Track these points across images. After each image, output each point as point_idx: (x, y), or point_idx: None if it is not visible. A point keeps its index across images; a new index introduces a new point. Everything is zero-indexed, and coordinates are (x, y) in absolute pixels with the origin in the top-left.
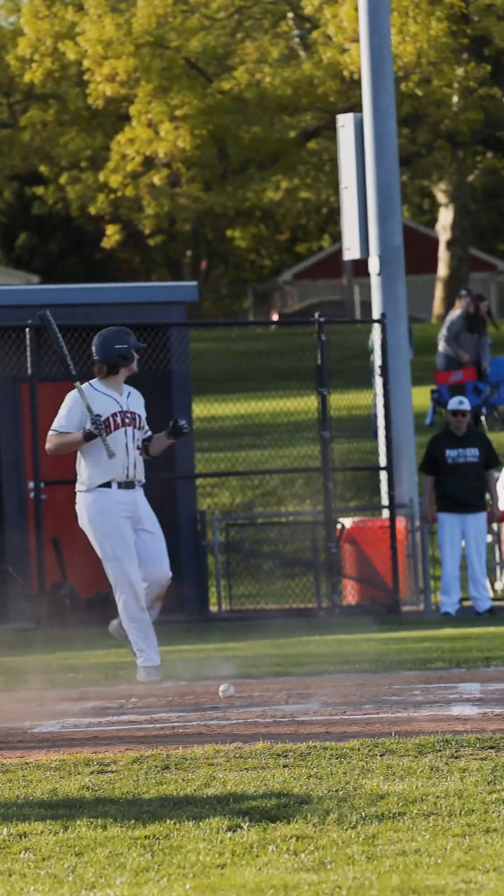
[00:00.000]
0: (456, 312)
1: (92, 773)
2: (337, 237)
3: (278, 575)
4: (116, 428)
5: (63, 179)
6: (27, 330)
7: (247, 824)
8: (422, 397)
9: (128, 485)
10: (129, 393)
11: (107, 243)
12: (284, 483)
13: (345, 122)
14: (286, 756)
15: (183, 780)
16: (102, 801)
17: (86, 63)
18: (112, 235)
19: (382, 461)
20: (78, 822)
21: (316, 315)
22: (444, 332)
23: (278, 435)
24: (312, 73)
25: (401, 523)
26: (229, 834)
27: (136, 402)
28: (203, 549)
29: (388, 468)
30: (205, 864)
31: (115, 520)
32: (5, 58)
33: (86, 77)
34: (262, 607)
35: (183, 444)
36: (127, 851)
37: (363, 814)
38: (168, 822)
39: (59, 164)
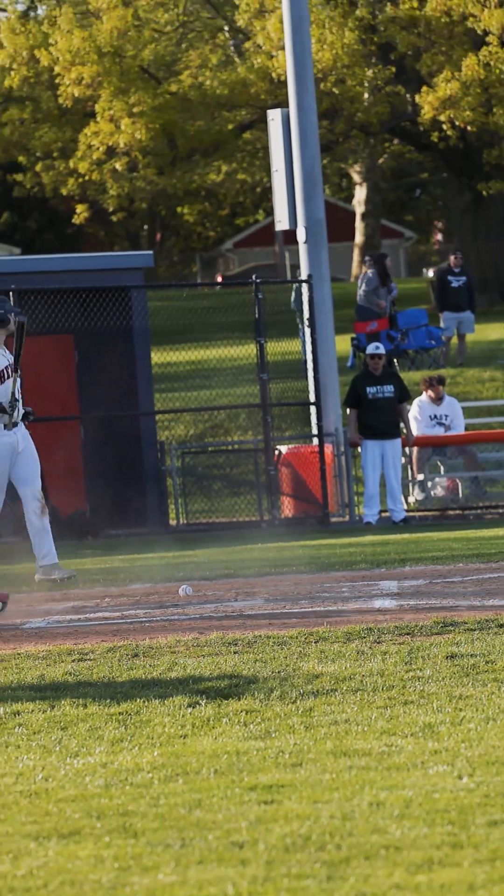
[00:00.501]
0: (369, 272)
1: (74, 660)
2: (269, 212)
3: (226, 494)
4: (6, 379)
5: (38, 167)
6: (10, 293)
7: (204, 701)
8: (343, 344)
9: (14, 425)
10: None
11: (77, 220)
12: (230, 417)
13: (274, 116)
14: (236, 644)
15: (150, 665)
16: (83, 684)
17: (57, 69)
18: (81, 213)
19: (312, 397)
20: (63, 702)
21: (253, 277)
22: (362, 287)
23: (224, 377)
24: (246, 76)
25: (328, 449)
26: (189, 710)
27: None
28: (163, 473)
29: (317, 403)
30: (170, 734)
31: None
32: None
33: (57, 81)
34: (213, 521)
35: (144, 386)
36: (104, 725)
37: (301, 691)
38: (138, 700)
39: (34, 155)
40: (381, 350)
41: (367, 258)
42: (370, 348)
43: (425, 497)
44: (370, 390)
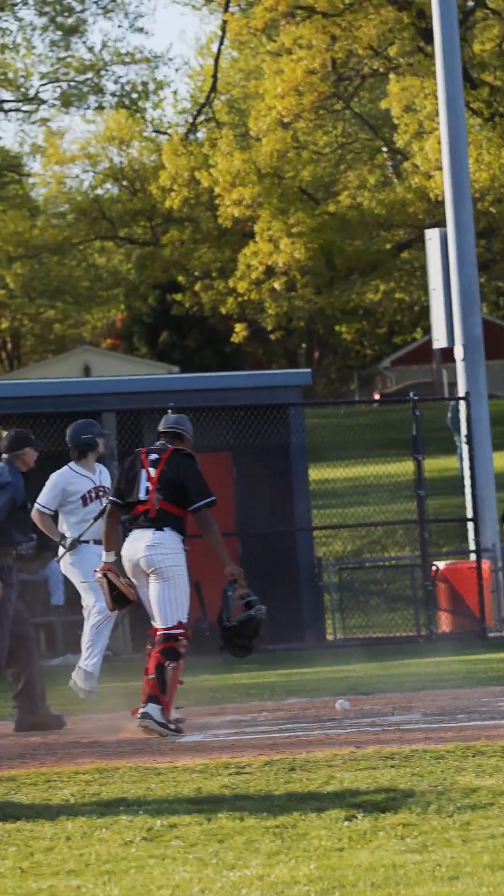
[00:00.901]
0: None
1: (230, 774)
2: (427, 330)
3: (383, 609)
4: (92, 501)
5: (197, 287)
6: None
7: (361, 815)
8: (501, 461)
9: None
10: (101, 471)
11: (235, 338)
12: (387, 533)
13: (432, 235)
14: (393, 758)
15: (307, 779)
16: (240, 797)
17: (217, 190)
18: (240, 332)
19: (469, 513)
20: (219, 815)
21: (411, 394)
22: None
23: (381, 494)
24: (404, 196)
25: (486, 564)
26: (346, 823)
27: (106, 478)
28: (320, 589)
29: (475, 519)
30: (326, 847)
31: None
32: (147, 188)
33: (216, 202)
34: (370, 635)
35: (301, 502)
36: (261, 838)
37: (458, 805)
38: (295, 813)
39: (193, 275)
40: None
41: None
42: None
43: None
44: None
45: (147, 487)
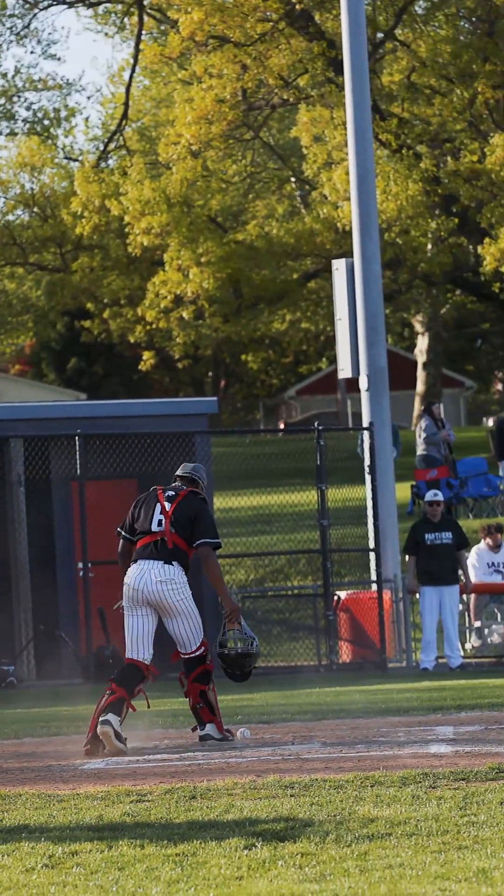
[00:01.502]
0: (423, 422)
1: (132, 801)
2: (332, 360)
3: (285, 638)
4: None
5: (106, 314)
6: (76, 438)
7: (260, 843)
8: (404, 491)
9: None
10: None
11: (143, 366)
12: (290, 562)
13: (338, 266)
14: (293, 787)
15: (207, 807)
16: (140, 825)
17: (127, 218)
18: (147, 360)
19: (371, 543)
20: (120, 843)
21: (315, 424)
22: (421, 436)
23: (284, 523)
24: (312, 226)
25: (387, 595)
26: (246, 851)
27: None
28: (223, 617)
29: (376, 549)
30: (226, 876)
31: None
32: (58, 215)
33: (126, 230)
34: (272, 664)
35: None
36: (161, 866)
37: (357, 834)
38: (195, 842)
39: (102, 302)
40: (440, 497)
41: (422, 408)
42: (429, 495)
43: (482, 644)
44: (428, 536)
45: (160, 520)
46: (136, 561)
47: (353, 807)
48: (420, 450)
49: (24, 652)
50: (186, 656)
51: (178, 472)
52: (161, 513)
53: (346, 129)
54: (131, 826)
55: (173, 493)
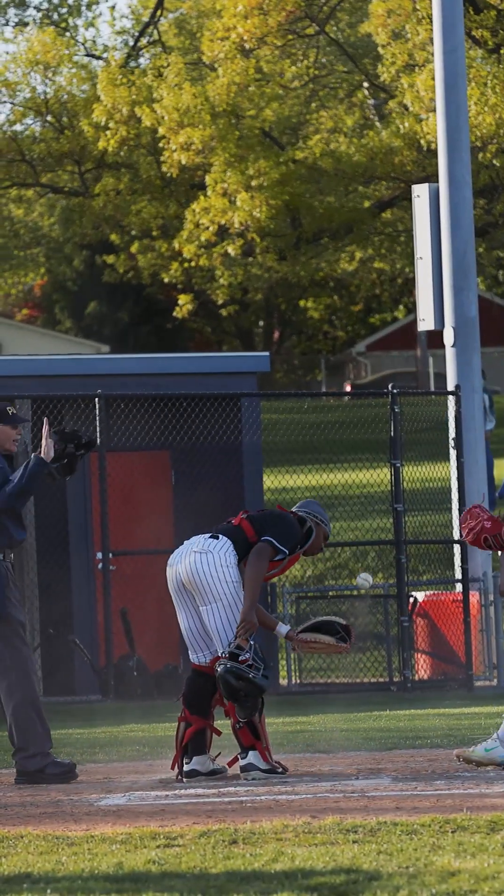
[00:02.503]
0: None
1: (158, 846)
2: (411, 308)
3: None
4: None
5: (134, 248)
6: (97, 400)
7: None
8: (500, 470)
9: None
10: None
11: (179, 313)
12: (356, 556)
13: (420, 192)
14: (355, 831)
15: (251, 854)
16: (169, 875)
17: (161, 130)
18: (184, 305)
19: (456, 534)
20: None
21: (389, 386)
22: None
23: (350, 507)
24: (389, 142)
25: (474, 597)
26: None
27: None
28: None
29: (462, 541)
30: None
31: None
32: (77, 126)
33: (161, 145)
34: (332, 681)
35: None
36: None
37: (434, 891)
38: None
39: (130, 233)
40: None
41: None
42: None
43: None
44: None
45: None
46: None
47: (429, 857)
48: None
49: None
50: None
51: (300, 511)
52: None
53: (431, 23)
54: (157, 877)
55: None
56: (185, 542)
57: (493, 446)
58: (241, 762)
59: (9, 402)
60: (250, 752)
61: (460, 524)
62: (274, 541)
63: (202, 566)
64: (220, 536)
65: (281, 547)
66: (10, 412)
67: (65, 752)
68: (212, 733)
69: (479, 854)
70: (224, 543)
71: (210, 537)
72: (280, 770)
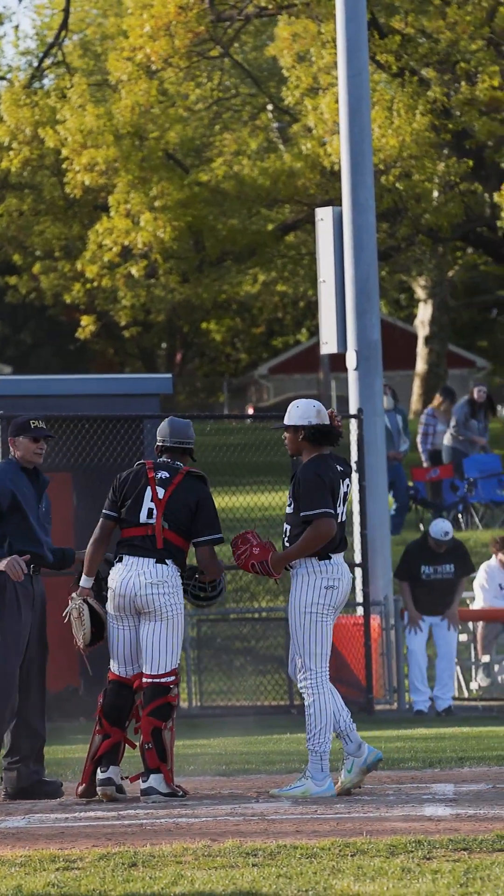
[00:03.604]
0: (458, 402)
1: (58, 869)
2: (314, 331)
3: (250, 671)
4: None
5: (37, 268)
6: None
7: None
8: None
9: None
10: None
11: (81, 334)
12: (257, 579)
13: (324, 215)
14: (255, 855)
15: (150, 877)
16: None
17: (65, 152)
18: (87, 326)
19: (357, 558)
20: None
21: None
22: (452, 422)
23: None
24: (292, 165)
25: (375, 621)
26: None
27: None
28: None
29: (364, 565)
30: None
31: None
32: None
33: (64, 166)
34: (233, 704)
35: None
36: None
37: None
38: None
39: (33, 254)
40: (450, 536)
41: (442, 389)
42: (436, 530)
43: (491, 683)
44: (426, 570)
45: (151, 509)
46: (120, 558)
47: (328, 880)
48: (446, 440)
49: None
50: (151, 680)
51: (166, 441)
52: (152, 500)
53: (336, 46)
54: None
55: (167, 476)
56: (129, 560)
57: (406, 470)
58: (143, 785)
59: (36, 417)
60: (152, 776)
61: (232, 549)
62: (209, 537)
63: (159, 598)
64: (167, 562)
65: (216, 536)
66: (32, 425)
67: None
68: (125, 745)
69: (379, 878)
70: (173, 570)
71: (157, 563)
72: (181, 794)
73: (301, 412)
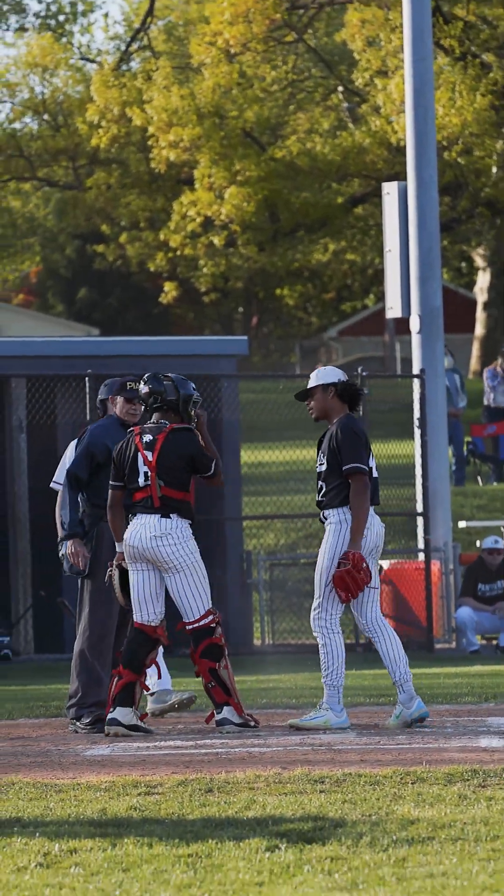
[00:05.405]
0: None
1: (139, 794)
2: (380, 297)
3: None
4: None
5: (123, 238)
6: (86, 379)
7: (284, 845)
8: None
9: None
10: None
11: (164, 299)
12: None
13: (390, 189)
14: (323, 782)
15: (225, 802)
16: (149, 820)
17: (151, 129)
18: (169, 292)
19: (419, 507)
20: (125, 840)
21: (359, 369)
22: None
23: None
24: (361, 142)
25: (435, 566)
26: (268, 854)
27: None
28: (248, 587)
29: (425, 514)
30: (244, 881)
31: None
32: (72, 124)
33: (150, 143)
34: (303, 642)
35: (231, 488)
36: (171, 868)
37: (394, 838)
38: (210, 841)
39: (120, 224)
40: (500, 545)
41: (502, 351)
42: (487, 542)
43: None
44: (481, 588)
45: (146, 473)
46: (134, 515)
47: (390, 806)
48: (488, 400)
49: (21, 621)
50: (191, 627)
51: (154, 403)
52: (145, 464)
53: (402, 32)
54: (138, 822)
55: (151, 438)
56: (139, 517)
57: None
58: (217, 717)
59: (134, 378)
60: (224, 708)
61: (339, 589)
62: (209, 473)
63: (166, 548)
64: (171, 516)
65: (214, 471)
66: (128, 386)
67: (53, 706)
68: (141, 688)
69: (437, 804)
70: (177, 521)
71: (161, 517)
72: (252, 724)
73: (327, 372)
